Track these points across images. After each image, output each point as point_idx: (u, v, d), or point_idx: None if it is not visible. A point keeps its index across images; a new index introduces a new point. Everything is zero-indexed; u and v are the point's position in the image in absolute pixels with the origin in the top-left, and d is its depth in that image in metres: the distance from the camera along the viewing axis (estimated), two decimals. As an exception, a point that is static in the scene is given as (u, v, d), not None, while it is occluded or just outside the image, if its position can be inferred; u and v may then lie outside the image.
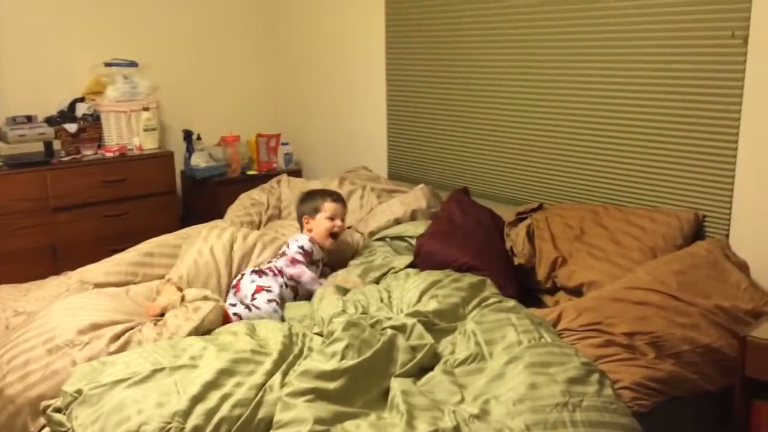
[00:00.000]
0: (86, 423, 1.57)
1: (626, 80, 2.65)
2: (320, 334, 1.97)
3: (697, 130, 2.47)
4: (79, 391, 1.66)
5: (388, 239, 2.84)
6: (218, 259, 2.50)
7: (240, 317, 2.22)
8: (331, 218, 2.63)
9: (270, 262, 2.55)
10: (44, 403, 1.73)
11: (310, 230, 2.64)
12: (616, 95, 2.70)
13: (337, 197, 2.70)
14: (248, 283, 2.39)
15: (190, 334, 2.02)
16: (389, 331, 1.91)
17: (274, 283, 2.39)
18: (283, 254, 2.55)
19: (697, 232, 2.47)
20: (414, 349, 1.90)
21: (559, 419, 1.58)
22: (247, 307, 2.28)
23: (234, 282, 2.46)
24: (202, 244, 2.55)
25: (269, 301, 2.31)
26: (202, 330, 2.08)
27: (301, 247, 2.54)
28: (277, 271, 2.46)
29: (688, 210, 2.50)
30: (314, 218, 2.64)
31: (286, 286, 2.44)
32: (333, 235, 2.63)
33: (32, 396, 1.79)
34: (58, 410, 1.67)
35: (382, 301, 2.25)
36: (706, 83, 2.43)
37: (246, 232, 2.70)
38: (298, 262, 2.50)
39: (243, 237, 2.64)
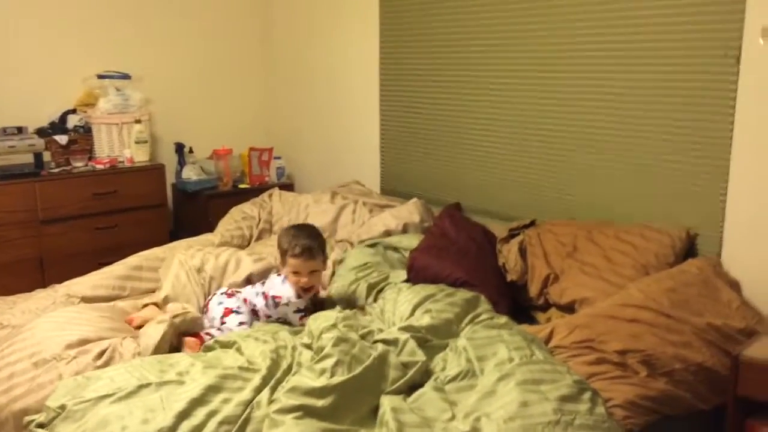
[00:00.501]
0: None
1: (620, 98, 2.66)
2: (309, 347, 1.94)
3: (690, 148, 2.48)
4: (63, 407, 1.63)
5: (381, 247, 2.82)
6: (193, 282, 2.48)
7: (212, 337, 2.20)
8: (296, 272, 2.30)
9: (241, 291, 2.41)
10: (27, 419, 1.70)
11: (285, 274, 2.37)
12: (610, 113, 2.70)
13: (302, 251, 2.27)
14: (216, 305, 2.33)
15: (164, 335, 2.01)
16: (380, 347, 1.89)
17: (242, 304, 2.33)
18: (264, 296, 2.36)
19: (689, 250, 2.47)
20: (405, 366, 1.88)
21: (551, 438, 1.56)
22: (219, 329, 2.25)
23: (203, 303, 2.43)
24: (178, 269, 2.53)
25: (240, 323, 2.28)
26: (176, 329, 2.07)
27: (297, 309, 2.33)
28: (247, 303, 2.35)
29: (680, 228, 2.49)
30: (283, 265, 2.36)
31: (251, 323, 2.31)
32: (304, 290, 2.33)
33: (17, 409, 1.76)
34: (41, 426, 1.64)
35: (372, 314, 2.24)
36: (698, 101, 2.43)
37: (219, 251, 2.68)
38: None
39: (215, 257, 2.62)
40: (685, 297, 2.13)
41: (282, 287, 2.32)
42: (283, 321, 2.33)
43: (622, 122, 2.67)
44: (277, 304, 2.32)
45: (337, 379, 1.73)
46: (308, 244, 2.29)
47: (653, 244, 2.45)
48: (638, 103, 2.61)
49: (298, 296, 2.31)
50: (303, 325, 2.21)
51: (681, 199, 2.53)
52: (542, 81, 2.91)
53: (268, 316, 2.34)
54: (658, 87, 2.54)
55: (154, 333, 2.05)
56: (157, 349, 2.01)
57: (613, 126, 2.70)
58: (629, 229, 2.57)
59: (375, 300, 2.39)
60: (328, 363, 1.77)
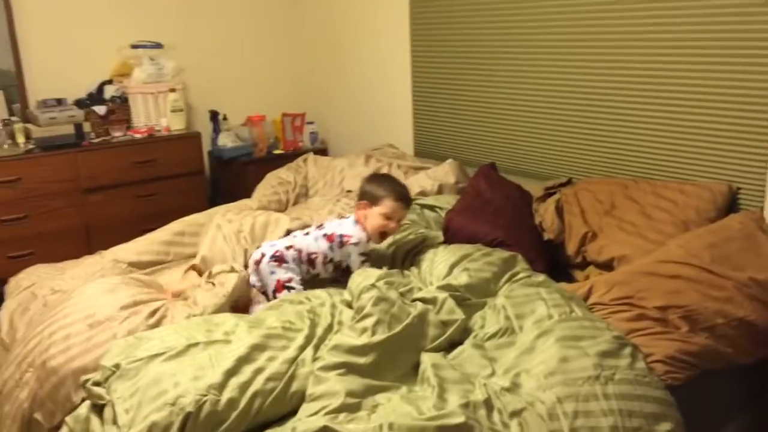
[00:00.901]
0: (125, 396, 1.61)
1: (656, 51, 2.60)
2: (349, 305, 1.98)
3: (731, 101, 2.42)
4: (117, 366, 1.70)
5: (417, 206, 2.83)
6: (231, 244, 2.52)
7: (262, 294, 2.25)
8: (388, 217, 2.31)
9: (295, 236, 2.37)
10: (84, 377, 1.77)
11: (362, 217, 2.34)
12: (647, 66, 2.64)
13: (402, 196, 2.34)
14: (268, 273, 2.25)
15: (220, 308, 2.06)
16: (419, 305, 1.92)
17: (294, 275, 2.25)
18: (329, 237, 2.32)
19: (731, 205, 2.43)
20: (445, 324, 1.90)
21: (591, 392, 1.58)
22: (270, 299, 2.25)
23: (253, 257, 2.36)
24: (215, 232, 2.57)
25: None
26: (232, 300, 2.12)
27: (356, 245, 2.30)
28: (300, 257, 2.29)
29: (722, 182, 2.45)
30: (371, 208, 2.33)
31: (307, 272, 2.31)
32: (383, 234, 2.36)
33: (74, 367, 1.83)
34: (97, 384, 1.71)
35: (410, 272, 2.26)
36: (738, 52, 2.37)
37: (256, 214, 2.73)
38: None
39: (253, 218, 2.66)
40: (727, 252, 2.10)
41: (353, 228, 2.33)
42: (339, 267, 2.33)
43: (659, 76, 2.61)
44: (343, 244, 2.30)
45: (378, 337, 1.77)
46: (408, 194, 2.39)
47: (694, 199, 2.42)
48: (676, 56, 2.54)
49: (368, 239, 2.34)
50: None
51: (722, 154, 2.48)
52: (578, 37, 2.85)
53: (329, 261, 2.31)
54: (696, 39, 2.47)
55: (226, 283, 2.13)
56: (232, 295, 2.11)
57: (652, 81, 2.64)
58: (669, 185, 2.54)
59: (412, 264, 2.40)
60: (369, 322, 1.81)
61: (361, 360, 1.71)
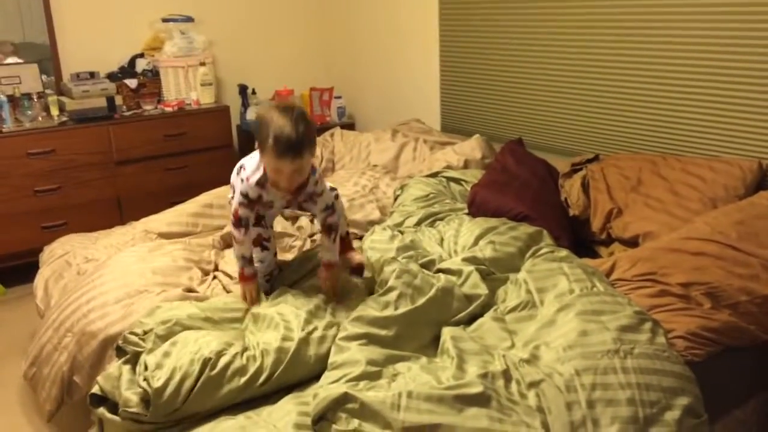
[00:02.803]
0: (156, 351, 1.68)
1: (685, 24, 2.55)
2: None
3: (762, 75, 2.37)
4: (151, 330, 1.77)
5: (444, 179, 2.83)
6: None
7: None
8: (275, 170, 1.81)
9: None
10: (120, 339, 1.84)
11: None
12: (675, 41, 2.60)
13: (283, 151, 1.74)
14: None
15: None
16: (443, 278, 1.94)
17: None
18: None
19: (760, 182, 2.39)
20: (468, 299, 1.92)
21: (610, 365, 1.59)
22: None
23: None
24: None
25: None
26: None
27: (243, 195, 1.93)
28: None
29: (752, 159, 2.41)
30: (263, 156, 1.83)
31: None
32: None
33: (113, 333, 1.90)
34: (135, 344, 1.77)
35: (433, 239, 2.27)
36: (775, 26, 2.32)
37: None
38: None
39: None
40: (755, 229, 2.08)
41: (254, 163, 1.93)
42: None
43: (687, 51, 2.56)
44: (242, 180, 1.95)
45: (401, 311, 1.79)
46: (297, 140, 1.75)
47: (722, 176, 2.38)
48: (705, 29, 2.49)
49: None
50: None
51: (752, 129, 2.43)
52: (605, 12, 2.81)
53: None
54: (726, 12, 2.42)
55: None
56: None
57: (680, 55, 2.59)
58: (698, 161, 2.50)
59: (431, 225, 2.41)
60: (392, 296, 1.83)
61: (383, 332, 1.74)
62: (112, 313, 1.95)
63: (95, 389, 1.67)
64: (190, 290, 2.09)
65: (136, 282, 2.05)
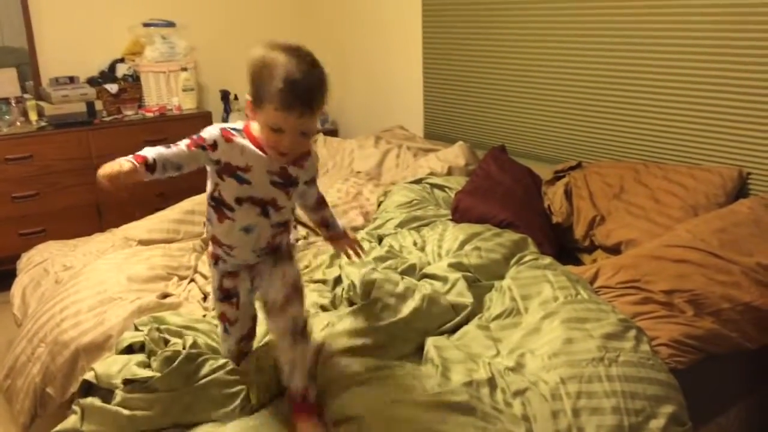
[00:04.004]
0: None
1: (667, 34, 2.57)
2: (352, 303, 1.93)
3: (742, 84, 2.40)
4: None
5: (427, 185, 2.83)
6: None
7: None
8: (275, 129, 1.42)
9: None
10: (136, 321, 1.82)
11: (252, 121, 1.50)
12: (657, 50, 2.62)
13: (295, 98, 1.40)
14: None
15: None
16: (427, 286, 1.92)
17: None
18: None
19: (740, 190, 2.42)
20: (454, 308, 1.90)
21: (595, 373, 1.59)
22: None
23: None
24: None
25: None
26: None
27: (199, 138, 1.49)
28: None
29: (732, 167, 2.44)
30: (259, 109, 1.43)
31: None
32: (279, 152, 1.47)
33: (85, 342, 1.87)
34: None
35: (415, 244, 2.26)
36: (750, 35, 2.34)
37: None
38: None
39: None
40: (735, 237, 2.10)
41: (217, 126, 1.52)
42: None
43: (669, 60, 2.59)
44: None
45: (383, 322, 1.77)
46: (308, 87, 1.45)
47: (703, 184, 2.40)
48: (686, 38, 2.52)
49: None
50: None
51: (733, 138, 2.46)
52: (587, 20, 2.83)
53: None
54: (707, 21, 2.45)
55: None
56: None
57: (662, 64, 2.62)
58: (679, 169, 2.52)
59: (416, 230, 2.40)
60: (375, 308, 1.81)
61: (366, 341, 1.72)
62: (84, 321, 1.92)
63: (88, 376, 1.63)
64: (165, 296, 2.06)
65: (111, 289, 2.02)
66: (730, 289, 1.94)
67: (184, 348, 1.64)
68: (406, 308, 1.82)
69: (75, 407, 1.60)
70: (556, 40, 2.98)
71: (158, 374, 1.56)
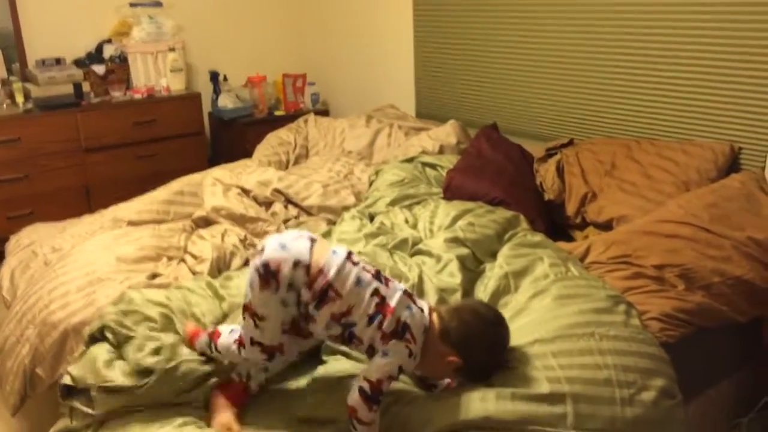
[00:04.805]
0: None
1: (659, 9, 2.55)
2: None
3: (733, 59, 2.38)
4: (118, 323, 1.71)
5: (419, 164, 2.81)
6: (232, 196, 2.56)
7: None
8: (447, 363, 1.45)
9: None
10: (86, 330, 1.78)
11: (441, 365, 1.44)
12: (648, 26, 2.60)
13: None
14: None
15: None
16: (416, 271, 1.88)
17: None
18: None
19: (732, 165, 2.42)
20: (443, 291, 1.88)
21: (586, 348, 1.59)
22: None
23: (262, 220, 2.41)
24: (211, 186, 2.60)
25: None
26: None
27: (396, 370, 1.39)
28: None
29: (724, 142, 2.43)
30: (457, 359, 1.43)
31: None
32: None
33: (74, 322, 1.85)
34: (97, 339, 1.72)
35: (407, 222, 2.25)
36: (741, 9, 2.32)
37: (251, 169, 2.75)
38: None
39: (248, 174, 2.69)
40: (726, 212, 2.10)
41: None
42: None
43: (661, 36, 2.57)
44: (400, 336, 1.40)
45: None
46: None
47: (695, 159, 2.40)
48: (678, 13, 2.50)
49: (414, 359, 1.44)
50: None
51: (724, 114, 2.45)
52: (581, 1, 2.81)
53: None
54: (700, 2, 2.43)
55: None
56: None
57: (653, 39, 2.60)
58: (672, 145, 2.52)
59: (407, 209, 2.39)
60: None
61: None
62: (73, 302, 1.90)
63: (65, 380, 1.62)
64: (155, 275, 2.04)
65: (100, 270, 2.00)
66: (721, 263, 1.94)
67: (157, 351, 1.58)
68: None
69: (63, 410, 1.60)
70: (548, 17, 2.95)
71: (133, 385, 1.52)
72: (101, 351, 1.62)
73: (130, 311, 1.70)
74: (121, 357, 1.59)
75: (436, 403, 1.45)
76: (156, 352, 1.56)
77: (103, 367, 1.56)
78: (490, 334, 1.48)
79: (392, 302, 1.41)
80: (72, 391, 1.61)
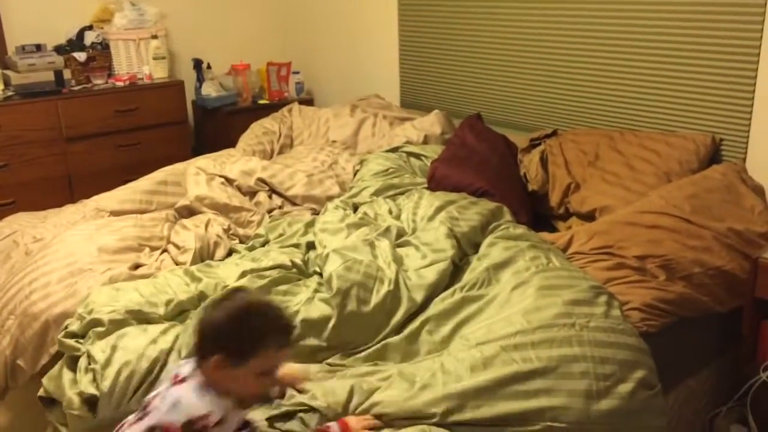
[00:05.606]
0: (102, 345, 1.62)
1: (643, 5, 2.56)
2: (319, 274, 1.92)
3: (716, 51, 2.40)
4: (95, 319, 1.71)
5: (404, 153, 2.81)
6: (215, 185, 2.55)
7: None
8: (269, 370, 1.33)
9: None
10: (63, 326, 1.78)
11: (217, 380, 1.29)
12: (632, 17, 2.61)
13: (289, 339, 1.37)
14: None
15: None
16: (388, 283, 1.85)
17: None
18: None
19: (713, 156, 2.44)
20: (421, 288, 1.88)
21: (566, 338, 1.60)
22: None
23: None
24: (195, 176, 2.59)
25: None
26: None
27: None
28: None
29: (705, 134, 2.45)
30: (234, 369, 1.28)
31: None
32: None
33: (56, 313, 1.84)
34: (73, 335, 1.72)
35: (390, 212, 2.25)
36: (721, 0, 2.34)
37: (235, 159, 2.75)
38: None
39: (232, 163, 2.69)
40: (707, 203, 2.12)
41: (198, 400, 1.27)
42: None
43: (644, 27, 2.58)
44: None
45: (345, 312, 1.76)
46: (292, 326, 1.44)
47: (677, 150, 2.42)
48: (661, 4, 2.51)
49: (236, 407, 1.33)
50: None
51: (706, 105, 2.47)
52: (567, -16, 2.81)
53: None
54: (688, -13, 2.44)
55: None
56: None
57: (636, 31, 2.61)
58: (654, 136, 2.53)
59: (392, 199, 2.39)
60: (335, 301, 1.78)
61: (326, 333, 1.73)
62: (54, 293, 1.89)
63: (41, 392, 1.62)
64: (137, 266, 2.03)
65: (81, 261, 1.99)
66: (702, 253, 1.97)
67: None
68: (367, 304, 1.79)
69: (49, 418, 1.61)
70: (533, 8, 2.95)
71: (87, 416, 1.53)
72: (66, 368, 1.64)
73: (85, 316, 1.72)
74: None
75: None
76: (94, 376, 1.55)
77: (68, 387, 1.57)
78: (225, 317, 1.30)
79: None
80: (54, 401, 1.62)
